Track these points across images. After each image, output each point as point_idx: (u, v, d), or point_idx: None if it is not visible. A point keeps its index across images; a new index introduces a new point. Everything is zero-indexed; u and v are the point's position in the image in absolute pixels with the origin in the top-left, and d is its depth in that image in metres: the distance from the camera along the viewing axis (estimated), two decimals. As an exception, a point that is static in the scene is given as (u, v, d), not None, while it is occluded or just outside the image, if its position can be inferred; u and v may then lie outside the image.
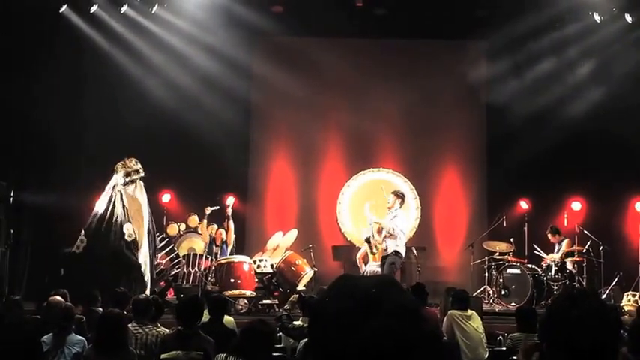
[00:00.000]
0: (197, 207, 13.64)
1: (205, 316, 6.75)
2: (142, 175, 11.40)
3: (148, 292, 10.48)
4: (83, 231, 11.20)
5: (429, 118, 14.87)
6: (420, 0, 14.03)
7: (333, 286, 1.63)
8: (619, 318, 2.32)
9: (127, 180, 11.19)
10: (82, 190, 13.05)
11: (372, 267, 12.12)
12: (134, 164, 11.31)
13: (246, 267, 11.96)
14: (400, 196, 11.37)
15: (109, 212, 11.11)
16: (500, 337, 8.48)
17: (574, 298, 2.19)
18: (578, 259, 12.77)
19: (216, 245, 13.08)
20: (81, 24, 13.67)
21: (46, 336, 6.39)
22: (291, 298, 8.08)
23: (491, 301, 12.56)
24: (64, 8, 13.41)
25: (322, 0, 13.48)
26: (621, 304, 11.15)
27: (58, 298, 7.61)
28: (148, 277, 11.14)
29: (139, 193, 11.39)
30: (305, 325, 6.95)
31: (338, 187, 14.86)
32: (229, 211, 13.08)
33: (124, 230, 11.04)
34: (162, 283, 12.30)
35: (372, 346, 1.51)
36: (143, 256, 11.14)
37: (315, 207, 14.92)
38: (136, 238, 11.10)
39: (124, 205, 11.12)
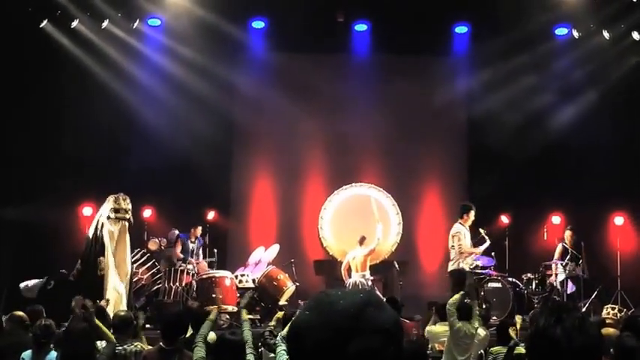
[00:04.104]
0: (178, 222, 13.61)
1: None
2: (129, 217, 11.10)
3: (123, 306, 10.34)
4: (80, 259, 11.16)
5: (410, 132, 14.93)
6: (400, 15, 14.12)
7: (310, 306, 1.62)
8: (600, 332, 2.35)
9: (113, 216, 10.97)
10: (63, 206, 13.03)
11: (356, 278, 12.21)
12: (126, 204, 11.10)
13: (227, 282, 11.94)
14: None
15: (93, 241, 11.00)
16: (482, 351, 8.50)
17: (559, 315, 2.22)
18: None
19: (192, 242, 13.12)
20: (62, 39, 13.66)
21: (25, 353, 6.33)
22: (276, 315, 8.06)
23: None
24: (44, 23, 13.39)
25: (304, 16, 13.56)
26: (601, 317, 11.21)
27: (19, 313, 7.50)
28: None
29: (122, 234, 11.14)
30: None
31: (320, 202, 14.86)
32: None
33: (98, 263, 10.86)
34: (142, 299, 12.25)
35: None
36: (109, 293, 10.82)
37: (297, 222, 14.91)
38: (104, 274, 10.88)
39: (102, 238, 10.93)
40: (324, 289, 2.10)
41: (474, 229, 11.89)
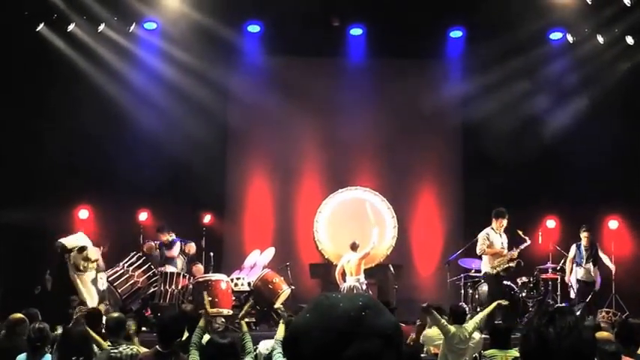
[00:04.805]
0: (174, 225, 13.61)
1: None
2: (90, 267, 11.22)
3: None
4: (48, 270, 11.26)
5: (405, 136, 14.97)
6: (395, 19, 14.16)
7: (310, 309, 1.64)
8: (594, 336, 2.37)
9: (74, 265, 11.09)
10: (59, 209, 13.03)
11: (350, 282, 12.24)
12: (91, 266, 11.14)
13: (223, 285, 11.93)
14: None
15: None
16: (476, 354, 8.53)
17: (552, 316, 2.24)
18: (553, 276, 12.92)
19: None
20: (58, 42, 13.68)
21: (19, 356, 6.33)
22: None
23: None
24: (40, 27, 13.40)
25: (299, 20, 13.60)
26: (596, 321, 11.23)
27: (16, 315, 7.50)
28: None
29: (97, 281, 11.25)
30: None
31: (315, 206, 14.87)
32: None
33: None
34: (138, 301, 12.26)
35: None
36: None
37: (292, 225, 14.94)
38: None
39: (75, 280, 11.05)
40: (322, 292, 2.11)
41: (512, 231, 11.95)
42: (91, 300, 10.97)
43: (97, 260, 11.24)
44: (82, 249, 11.10)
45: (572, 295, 12.50)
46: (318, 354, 1.56)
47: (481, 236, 11.58)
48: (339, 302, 1.62)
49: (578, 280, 12.51)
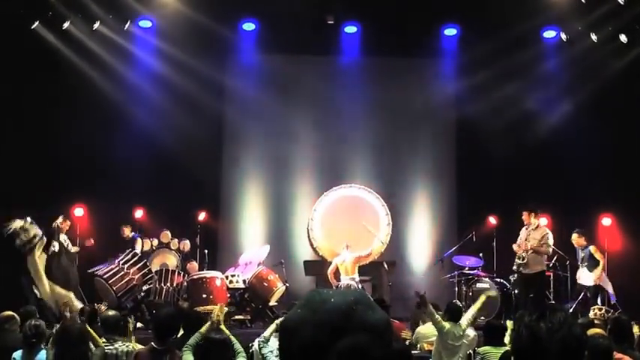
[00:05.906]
0: (170, 222, 13.65)
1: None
2: (40, 235, 11.24)
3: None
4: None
5: (400, 134, 15.01)
6: (390, 17, 14.20)
7: (302, 304, 1.66)
8: (584, 331, 2.40)
9: (28, 248, 11.13)
10: (54, 208, 13.01)
11: (345, 281, 12.29)
12: (30, 233, 11.17)
13: (218, 282, 11.98)
14: None
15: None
16: (470, 351, 8.58)
17: (542, 312, 2.27)
18: (546, 273, 12.97)
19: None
20: (53, 40, 13.68)
21: (16, 353, 6.37)
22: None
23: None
24: (35, 24, 13.39)
25: (294, 18, 13.63)
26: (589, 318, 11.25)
27: (8, 313, 7.52)
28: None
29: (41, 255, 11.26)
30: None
31: (310, 203, 14.92)
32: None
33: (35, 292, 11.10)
34: (132, 299, 12.28)
35: None
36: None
37: (287, 222, 14.96)
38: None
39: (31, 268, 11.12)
40: (314, 289, 2.12)
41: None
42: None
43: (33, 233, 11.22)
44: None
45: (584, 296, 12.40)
46: (309, 348, 1.58)
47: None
48: (331, 297, 1.64)
49: (581, 285, 12.42)
